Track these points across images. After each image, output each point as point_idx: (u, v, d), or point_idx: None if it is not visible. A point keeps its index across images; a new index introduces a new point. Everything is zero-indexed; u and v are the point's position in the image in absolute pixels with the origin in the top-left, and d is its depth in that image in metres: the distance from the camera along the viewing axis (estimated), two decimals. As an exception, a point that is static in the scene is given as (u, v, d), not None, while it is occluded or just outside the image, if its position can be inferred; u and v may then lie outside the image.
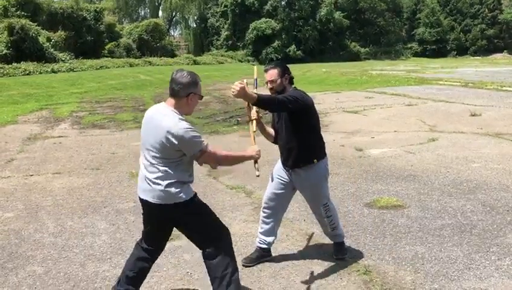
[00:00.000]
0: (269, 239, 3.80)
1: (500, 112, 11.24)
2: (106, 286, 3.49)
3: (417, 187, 5.61)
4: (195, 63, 39.71)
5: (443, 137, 8.46)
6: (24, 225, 4.78)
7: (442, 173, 6.19)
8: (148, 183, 2.92)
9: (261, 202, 3.95)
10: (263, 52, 47.12)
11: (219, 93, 18.47)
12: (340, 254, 3.79)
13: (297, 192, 3.82)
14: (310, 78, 24.45)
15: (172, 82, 2.93)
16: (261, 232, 3.83)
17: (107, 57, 35.15)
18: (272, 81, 3.62)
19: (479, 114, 10.60)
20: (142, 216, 3.14)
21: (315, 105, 3.68)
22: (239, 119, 11.15)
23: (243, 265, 3.77)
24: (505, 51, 54.27)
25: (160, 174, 2.87)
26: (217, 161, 3.03)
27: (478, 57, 50.86)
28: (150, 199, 2.92)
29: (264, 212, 3.81)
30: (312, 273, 3.60)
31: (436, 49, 54.23)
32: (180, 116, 2.88)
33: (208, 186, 5.90)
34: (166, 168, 2.87)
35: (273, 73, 3.62)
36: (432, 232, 4.28)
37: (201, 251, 3.03)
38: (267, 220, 3.79)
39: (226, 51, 48.63)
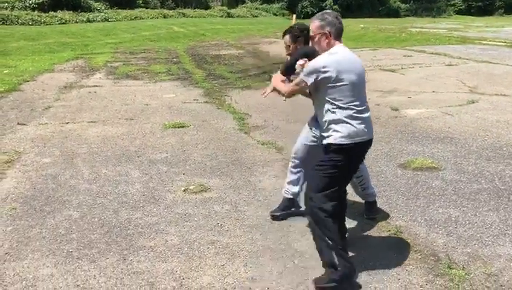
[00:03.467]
0: (294, 189, 3.79)
1: (547, 75, 10.66)
2: (138, 232, 3.58)
3: (453, 150, 5.45)
4: (229, 15, 39.05)
5: (483, 99, 8.12)
6: (60, 171, 4.92)
7: (480, 136, 5.97)
8: (370, 122, 2.98)
9: (292, 158, 3.91)
10: (299, 5, 45.69)
11: (252, 47, 18.21)
12: (371, 214, 3.76)
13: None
14: (347, 34, 23.58)
15: (340, 23, 2.97)
16: (287, 182, 3.85)
17: (141, 7, 34.93)
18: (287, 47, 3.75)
19: (524, 76, 10.10)
20: (349, 164, 2.93)
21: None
22: (272, 74, 10.98)
23: (272, 218, 3.80)
24: (557, 10, 50.97)
25: None
26: None
27: (527, 16, 48.03)
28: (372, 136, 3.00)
29: (292, 162, 3.80)
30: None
31: (482, 7, 51.36)
32: None
33: (239, 141, 5.89)
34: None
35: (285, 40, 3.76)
36: (467, 196, 4.17)
37: None
38: (294, 170, 3.78)
39: (260, 4, 47.44)
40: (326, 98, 2.88)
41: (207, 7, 42.01)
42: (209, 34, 24.77)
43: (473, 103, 7.87)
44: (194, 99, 8.49)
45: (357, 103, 2.89)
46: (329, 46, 2.93)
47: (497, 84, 9.45)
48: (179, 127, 6.54)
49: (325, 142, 2.93)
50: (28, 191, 4.38)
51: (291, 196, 3.81)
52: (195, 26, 28.29)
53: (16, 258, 3.23)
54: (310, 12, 43.58)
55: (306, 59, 3.26)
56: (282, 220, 3.75)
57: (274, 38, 22.53)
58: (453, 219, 3.74)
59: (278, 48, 17.81)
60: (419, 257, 3.20)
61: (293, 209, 3.82)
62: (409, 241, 3.41)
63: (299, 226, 3.66)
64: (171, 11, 35.56)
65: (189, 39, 21.88)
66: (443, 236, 3.46)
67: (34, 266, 3.13)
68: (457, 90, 9.00)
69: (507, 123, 6.55)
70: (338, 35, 2.95)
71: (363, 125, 2.88)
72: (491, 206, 3.95)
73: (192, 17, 35.36)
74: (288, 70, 3.45)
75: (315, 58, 2.93)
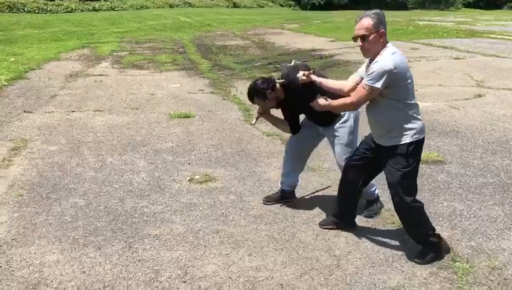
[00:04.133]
0: (289, 181, 3.85)
1: (555, 69, 10.57)
2: (144, 221, 3.60)
3: (459, 143, 5.43)
4: (235, 6, 38.92)
5: (490, 93, 8.07)
6: (67, 159, 4.94)
7: (487, 130, 5.95)
8: None
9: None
10: (305, -4, 45.46)
11: (258, 38, 18.15)
12: (368, 212, 3.70)
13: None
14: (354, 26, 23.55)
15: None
16: (282, 174, 3.91)
17: (147, -4, 34.84)
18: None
19: (531, 71, 10.01)
20: (417, 156, 3.03)
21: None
22: (278, 65, 10.96)
23: (263, 203, 3.89)
24: None
25: None
26: None
27: (536, 10, 47.51)
28: None
29: (286, 153, 3.86)
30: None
31: (491, 0, 50.88)
32: None
33: (245, 132, 5.90)
34: None
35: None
36: (472, 189, 4.17)
37: None
38: (288, 162, 3.84)
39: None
40: (394, 98, 2.86)
41: (213, -3, 41.85)
42: (214, 24, 24.70)
43: (480, 96, 7.83)
44: (200, 90, 8.48)
45: (415, 98, 2.96)
46: (383, 45, 2.87)
47: (504, 79, 9.39)
48: (184, 117, 6.55)
49: (398, 143, 2.92)
50: (34, 179, 4.41)
51: (287, 188, 3.89)
52: (201, 16, 28.22)
53: (23, 244, 3.26)
54: (316, 4, 43.40)
55: (309, 70, 3.26)
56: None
57: (280, 29, 22.45)
58: (458, 212, 3.74)
59: (284, 38, 17.75)
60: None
61: (288, 200, 3.90)
62: (413, 233, 3.41)
63: (303, 216, 3.68)
64: (177, 1, 35.50)
65: (195, 29, 21.82)
66: (448, 229, 3.47)
67: (40, 252, 3.17)
68: (464, 84, 8.95)
69: (514, 118, 6.51)
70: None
71: (422, 120, 3.00)
72: (496, 200, 3.94)
73: (198, 7, 35.29)
74: (291, 83, 3.44)
75: (379, 61, 2.80)
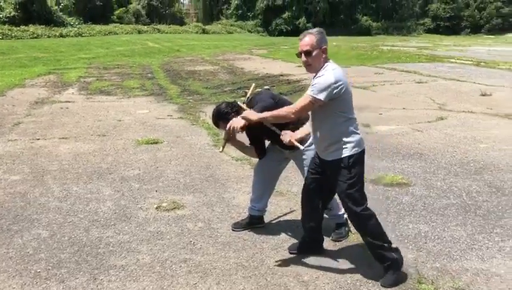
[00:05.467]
0: (258, 206, 3.87)
1: (511, 92, 11.06)
2: (110, 251, 3.52)
3: (423, 166, 5.58)
4: (204, 32, 39.25)
5: (452, 116, 8.36)
6: (30, 189, 4.81)
7: (449, 152, 6.14)
8: None
9: (265, 175, 3.95)
10: (273, 23, 46.33)
11: (227, 63, 18.31)
12: (335, 235, 3.74)
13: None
14: (320, 51, 24.05)
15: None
16: (251, 199, 3.93)
17: (115, 22, 34.80)
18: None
19: (489, 94, 10.43)
20: (361, 167, 3.14)
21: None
22: (247, 90, 11.06)
23: (232, 229, 3.88)
24: (520, 30, 53.03)
25: None
26: None
27: (492, 36, 49.78)
28: None
29: (255, 178, 3.90)
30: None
31: (450, 26, 53.09)
32: None
33: (214, 157, 5.89)
34: None
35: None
36: (436, 211, 4.27)
37: None
38: (257, 187, 3.87)
39: (235, 21, 47.92)
40: (336, 112, 3.00)
41: (182, 23, 42.19)
42: (184, 49, 24.81)
43: (442, 119, 8.10)
44: (168, 115, 8.46)
45: (354, 113, 3.11)
46: (325, 61, 3.03)
47: (464, 102, 9.75)
48: (152, 143, 6.50)
49: (339, 156, 3.04)
50: (-5, 210, 4.26)
51: (256, 213, 3.90)
52: (170, 42, 28.31)
53: (-19, 279, 3.13)
54: (284, 30, 44.29)
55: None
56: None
57: (249, 54, 22.74)
58: (423, 234, 3.82)
59: (253, 64, 17.98)
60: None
61: (258, 226, 3.90)
62: (380, 256, 3.45)
63: (272, 242, 3.68)
64: (145, 27, 35.57)
65: (164, 55, 21.86)
66: (413, 251, 3.53)
67: (0, 288, 3.04)
68: (426, 107, 9.25)
69: (474, 139, 6.75)
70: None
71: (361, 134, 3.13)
72: (459, 221, 4.05)
73: (167, 32, 35.42)
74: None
75: (322, 76, 2.94)
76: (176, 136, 6.92)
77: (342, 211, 3.74)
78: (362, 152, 3.11)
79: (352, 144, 3.04)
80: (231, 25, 45.55)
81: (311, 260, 3.41)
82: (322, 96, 2.91)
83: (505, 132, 7.25)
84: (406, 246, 3.59)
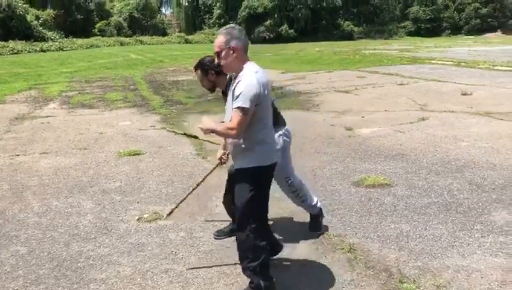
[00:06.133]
0: None
1: (491, 91, 11.22)
2: (90, 265, 3.47)
3: (405, 166, 5.61)
4: (186, 42, 39.34)
5: (433, 116, 8.44)
6: (8, 205, 4.73)
7: (430, 151, 6.19)
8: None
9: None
10: (255, 30, 46.64)
11: (210, 72, 18.28)
12: (311, 228, 3.81)
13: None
14: (303, 57, 24.25)
15: (246, 38, 2.91)
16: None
17: (97, 35, 34.69)
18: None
19: (470, 93, 10.58)
20: (265, 182, 3.00)
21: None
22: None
23: (215, 237, 3.87)
24: (499, 30, 54.05)
25: None
26: None
27: (471, 36, 50.65)
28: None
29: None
30: (296, 250, 3.60)
31: (430, 28, 53.96)
32: None
33: (196, 166, 5.86)
34: None
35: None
36: (417, 210, 4.29)
37: None
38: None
39: (217, 30, 48.01)
40: (255, 118, 2.80)
41: (164, 34, 42.21)
42: (167, 60, 24.78)
43: (424, 120, 8.17)
44: (151, 126, 8.41)
45: (270, 122, 2.98)
46: (240, 62, 2.86)
47: (445, 102, 9.86)
48: (134, 155, 6.45)
49: (245, 165, 2.88)
50: (-28, 228, 4.17)
51: None
52: (153, 52, 28.27)
53: (-43, 300, 3.06)
54: (266, 37, 44.54)
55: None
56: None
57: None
58: (405, 233, 3.83)
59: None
60: (372, 273, 3.24)
61: None
62: (362, 257, 3.45)
63: (255, 249, 3.65)
64: (128, 39, 35.52)
65: (147, 66, 21.79)
66: (395, 251, 3.53)
67: (-24, 307, 2.97)
68: (408, 108, 9.33)
69: (455, 138, 6.82)
70: (246, 50, 2.89)
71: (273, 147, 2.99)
72: (440, 219, 4.07)
73: (150, 44, 35.40)
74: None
75: (242, 82, 2.76)
76: (158, 147, 6.88)
77: (315, 201, 3.81)
78: (271, 166, 2.93)
79: (262, 155, 2.87)
80: (213, 34, 45.57)
81: (292, 265, 3.41)
82: (248, 105, 2.71)
83: (485, 129, 7.34)
84: (388, 247, 3.60)
